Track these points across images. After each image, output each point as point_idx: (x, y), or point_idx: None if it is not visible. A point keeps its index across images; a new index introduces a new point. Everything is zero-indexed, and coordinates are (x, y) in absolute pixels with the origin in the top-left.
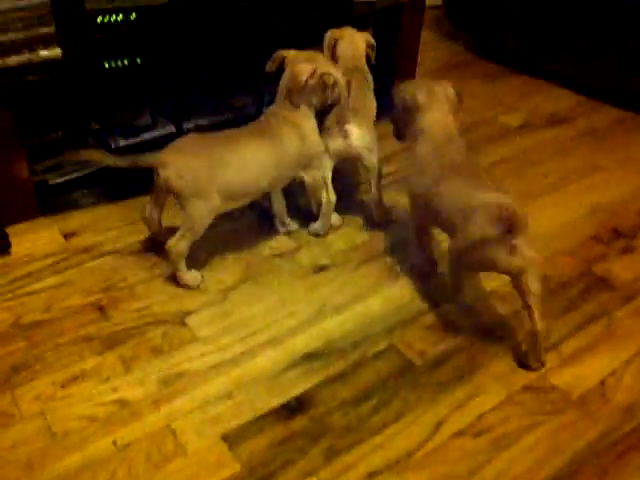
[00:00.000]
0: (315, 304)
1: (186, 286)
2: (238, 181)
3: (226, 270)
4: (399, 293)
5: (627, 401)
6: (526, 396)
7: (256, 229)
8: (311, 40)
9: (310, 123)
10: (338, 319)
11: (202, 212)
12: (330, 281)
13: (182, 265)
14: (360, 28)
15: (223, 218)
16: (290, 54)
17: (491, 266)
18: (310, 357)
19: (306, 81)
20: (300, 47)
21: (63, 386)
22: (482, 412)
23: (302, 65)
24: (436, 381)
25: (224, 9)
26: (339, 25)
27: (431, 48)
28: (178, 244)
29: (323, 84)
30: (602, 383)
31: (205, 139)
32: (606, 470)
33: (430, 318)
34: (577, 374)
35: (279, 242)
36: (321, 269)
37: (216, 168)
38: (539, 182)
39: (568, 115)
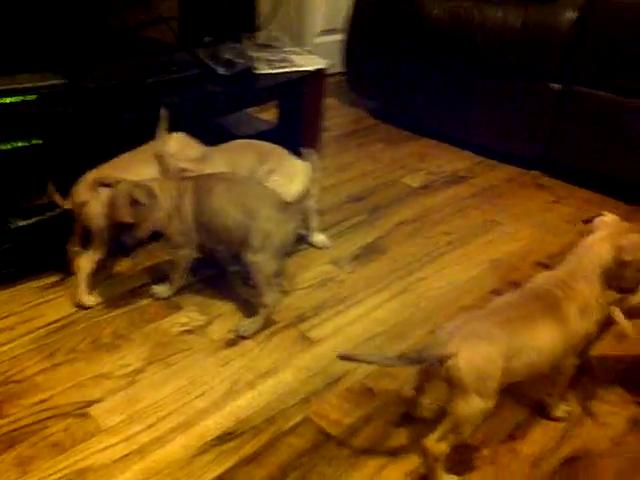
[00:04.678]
0: (227, 381)
1: None
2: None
3: (132, 352)
4: (312, 362)
5: (534, 453)
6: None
7: (163, 305)
8: (213, 113)
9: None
10: (251, 395)
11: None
12: (242, 355)
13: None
14: (265, 99)
15: (127, 295)
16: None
17: None
18: (223, 438)
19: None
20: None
21: None
22: None
23: (634, 241)
24: (351, 452)
25: (126, 90)
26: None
27: (336, 114)
28: (439, 445)
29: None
30: (510, 437)
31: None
32: None
33: (344, 385)
34: (488, 429)
35: (189, 317)
36: (232, 343)
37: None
38: (442, 240)
39: (466, 175)
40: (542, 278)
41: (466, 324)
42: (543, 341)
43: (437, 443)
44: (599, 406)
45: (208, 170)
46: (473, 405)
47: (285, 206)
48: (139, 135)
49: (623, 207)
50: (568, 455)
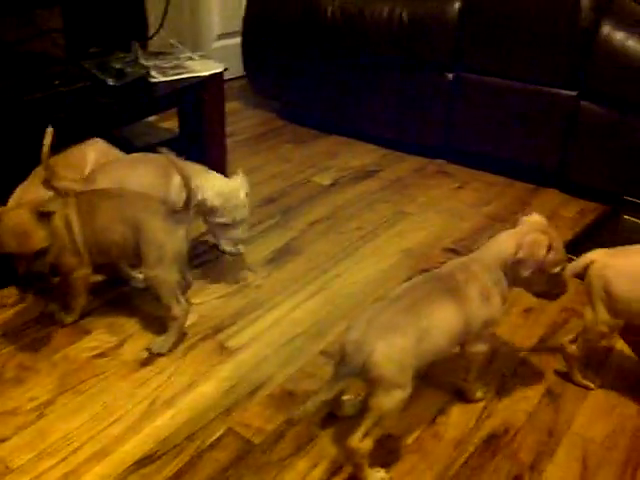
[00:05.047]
0: (144, 402)
1: None
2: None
3: (39, 383)
4: (231, 372)
5: (457, 436)
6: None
7: (70, 331)
8: (107, 125)
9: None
10: (170, 413)
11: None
12: (158, 374)
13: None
14: (162, 108)
15: (30, 324)
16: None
17: None
18: (143, 462)
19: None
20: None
21: None
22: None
23: (539, 236)
24: (277, 457)
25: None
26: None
27: (241, 118)
28: (365, 442)
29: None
30: (433, 422)
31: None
32: None
33: (266, 391)
34: (410, 418)
35: (98, 340)
36: (147, 363)
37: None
38: (355, 236)
39: (374, 169)
40: (449, 264)
41: (373, 319)
42: (444, 320)
43: (362, 441)
44: (515, 381)
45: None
46: (394, 397)
47: (173, 213)
48: (24, 155)
49: (525, 187)
50: (488, 433)
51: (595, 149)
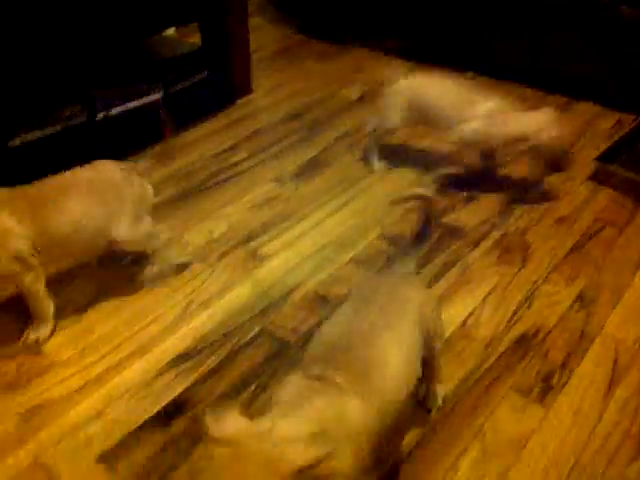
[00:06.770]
0: (180, 305)
1: None
2: None
3: (77, 289)
4: (266, 276)
5: (487, 337)
6: None
7: None
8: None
9: None
10: (206, 314)
11: None
12: (193, 279)
13: None
14: (185, 22)
15: None
16: None
17: None
18: (181, 358)
19: None
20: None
21: None
22: None
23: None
24: None
25: (44, 14)
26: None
27: (262, 35)
28: None
29: None
30: (463, 324)
31: None
32: (476, 404)
33: (299, 294)
34: None
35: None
36: (182, 269)
37: None
38: None
39: None
40: None
41: None
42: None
43: None
44: (547, 287)
45: None
46: None
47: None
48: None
49: (559, 100)
50: (519, 334)
51: (635, 57)
